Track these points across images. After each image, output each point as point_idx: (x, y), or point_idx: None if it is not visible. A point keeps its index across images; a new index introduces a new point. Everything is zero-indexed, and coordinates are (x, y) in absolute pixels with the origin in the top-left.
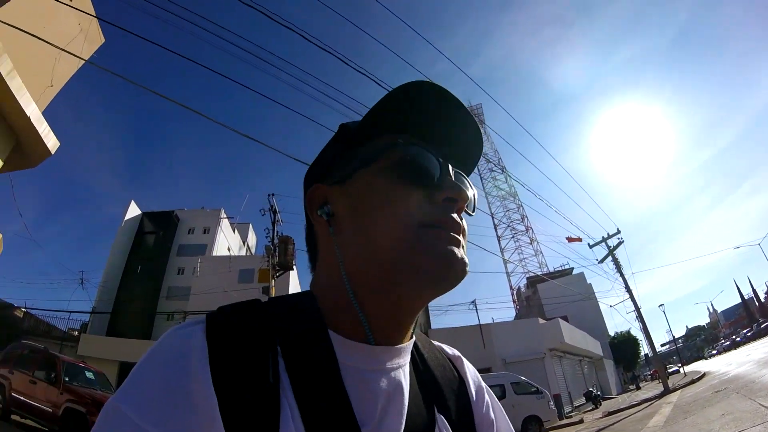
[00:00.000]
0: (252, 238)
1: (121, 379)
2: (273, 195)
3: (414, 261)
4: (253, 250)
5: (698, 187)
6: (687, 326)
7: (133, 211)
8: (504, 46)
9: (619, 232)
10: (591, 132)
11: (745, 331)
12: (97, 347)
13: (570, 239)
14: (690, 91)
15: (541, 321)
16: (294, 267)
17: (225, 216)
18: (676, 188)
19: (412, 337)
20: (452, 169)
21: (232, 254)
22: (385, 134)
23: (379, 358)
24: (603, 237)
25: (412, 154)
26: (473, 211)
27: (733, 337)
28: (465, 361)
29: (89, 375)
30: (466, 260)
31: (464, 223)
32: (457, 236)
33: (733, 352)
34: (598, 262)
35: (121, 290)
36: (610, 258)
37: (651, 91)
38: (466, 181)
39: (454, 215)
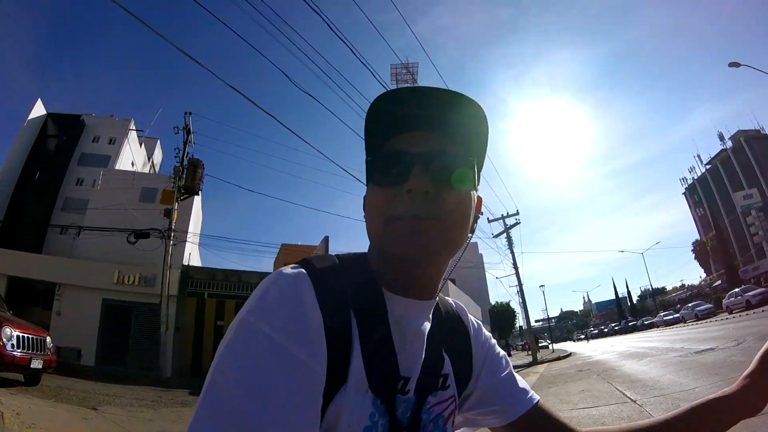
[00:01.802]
0: (158, 155)
1: (10, 296)
2: (190, 114)
3: (385, 248)
4: (157, 168)
5: (603, 190)
6: (561, 309)
7: (39, 110)
8: (453, 12)
9: (518, 213)
10: (516, 113)
11: (613, 325)
12: None
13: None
14: (619, 103)
15: None
16: (199, 192)
17: (134, 128)
18: (583, 187)
19: (434, 296)
20: (421, 160)
21: (137, 170)
22: (379, 145)
23: (411, 308)
24: (503, 214)
25: (376, 167)
26: (466, 181)
27: (602, 327)
28: (467, 312)
29: None
30: (430, 238)
31: (446, 203)
32: (416, 221)
33: (599, 341)
34: (494, 237)
35: (15, 197)
36: (504, 235)
37: (583, 92)
38: (444, 161)
39: (413, 203)
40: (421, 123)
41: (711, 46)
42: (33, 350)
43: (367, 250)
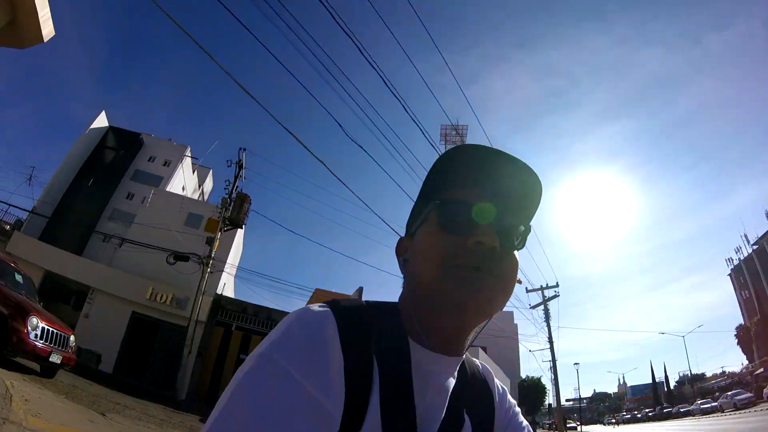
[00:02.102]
0: (209, 185)
1: (43, 289)
2: (244, 150)
3: (439, 293)
4: (206, 197)
5: (644, 267)
6: (594, 389)
7: (101, 121)
8: (507, 79)
9: (557, 285)
10: (561, 184)
11: (647, 410)
12: (27, 248)
13: None
14: (667, 177)
15: None
16: (243, 226)
17: (189, 155)
18: (625, 262)
19: (462, 354)
20: (491, 216)
21: (186, 194)
22: (442, 192)
23: (437, 364)
24: (542, 285)
25: (446, 211)
26: (520, 246)
27: (635, 412)
28: (493, 375)
29: (18, 277)
30: (490, 293)
31: (506, 262)
32: (481, 274)
33: (631, 426)
34: (531, 308)
35: (66, 197)
36: (542, 306)
37: (629, 166)
38: (507, 223)
39: (480, 256)
40: (490, 185)
41: (759, 121)
42: (55, 344)
43: (398, 300)
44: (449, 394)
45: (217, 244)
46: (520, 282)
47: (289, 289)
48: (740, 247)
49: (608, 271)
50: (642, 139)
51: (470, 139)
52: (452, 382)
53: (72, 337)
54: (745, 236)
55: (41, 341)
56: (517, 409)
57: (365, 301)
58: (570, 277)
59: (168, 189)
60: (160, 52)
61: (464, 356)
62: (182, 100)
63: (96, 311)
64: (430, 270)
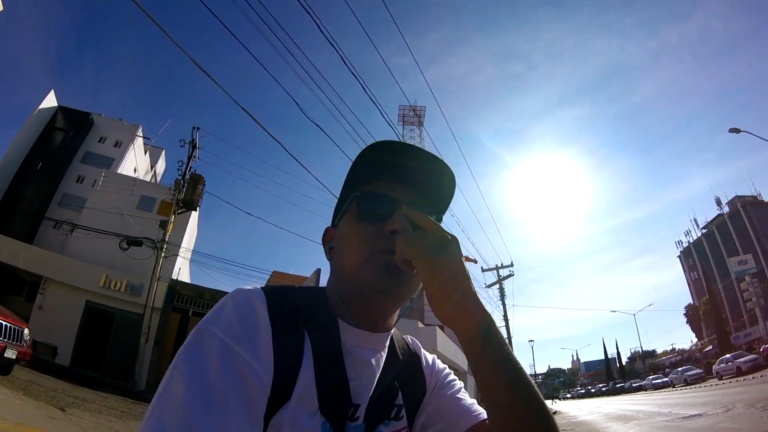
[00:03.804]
0: (161, 166)
1: None
2: (198, 129)
3: (364, 276)
4: (159, 178)
5: (598, 248)
6: (549, 365)
7: (50, 101)
8: (467, 62)
9: (512, 265)
10: (517, 166)
11: (601, 385)
12: None
13: (466, 259)
14: (620, 162)
15: (420, 325)
16: (198, 208)
17: (141, 134)
18: (579, 244)
19: (389, 330)
20: (404, 205)
21: (138, 176)
22: (362, 185)
23: (365, 339)
24: (497, 265)
25: (364, 203)
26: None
27: (589, 387)
28: (420, 346)
29: None
30: (403, 276)
31: None
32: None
33: (585, 401)
34: (486, 287)
35: (14, 183)
36: (497, 286)
37: (585, 150)
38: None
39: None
40: (404, 176)
41: (712, 112)
42: (9, 339)
43: (326, 285)
44: (378, 366)
45: (171, 227)
46: (475, 262)
47: (247, 273)
48: (690, 231)
49: (563, 251)
50: (598, 125)
51: (428, 122)
52: (382, 356)
53: (26, 331)
54: (695, 220)
55: None
56: (449, 371)
57: (297, 286)
58: (526, 257)
59: (119, 171)
60: (113, 30)
61: (392, 332)
62: (136, 79)
63: (49, 302)
64: (352, 257)
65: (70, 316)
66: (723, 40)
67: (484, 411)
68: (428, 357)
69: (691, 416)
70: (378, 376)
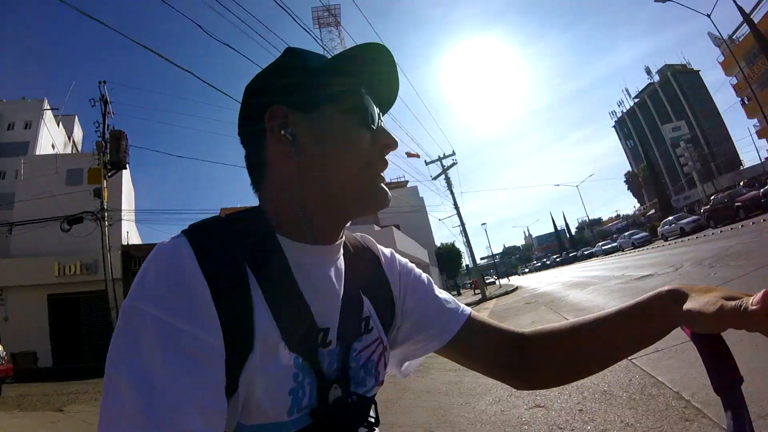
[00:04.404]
0: (78, 133)
1: None
2: (105, 83)
3: (357, 192)
4: (80, 147)
5: (535, 127)
6: (504, 245)
7: None
8: None
9: (454, 153)
10: (444, 57)
11: (555, 257)
12: None
13: (409, 154)
14: (548, 38)
15: (376, 228)
16: (127, 165)
17: (48, 107)
18: (514, 125)
19: (342, 237)
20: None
21: (58, 152)
22: (345, 77)
23: (319, 254)
24: (439, 156)
25: (368, 103)
26: None
27: (544, 260)
28: (375, 242)
29: None
30: (390, 194)
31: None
32: (384, 175)
33: (542, 273)
34: (432, 179)
35: None
36: (443, 176)
37: (509, 30)
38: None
39: (386, 158)
40: (387, 85)
41: None
42: None
43: (259, 201)
44: (342, 280)
45: (106, 193)
46: (418, 156)
47: (196, 217)
48: (622, 101)
49: (501, 134)
50: (520, 2)
51: (345, 20)
52: (340, 267)
53: (0, 348)
54: (626, 90)
55: None
56: (411, 265)
57: (225, 215)
58: (466, 144)
59: (38, 152)
60: None
61: (342, 238)
62: (24, 50)
63: (13, 310)
64: (352, 168)
65: (37, 316)
66: None
67: (467, 307)
68: (385, 252)
69: (644, 277)
70: (342, 290)
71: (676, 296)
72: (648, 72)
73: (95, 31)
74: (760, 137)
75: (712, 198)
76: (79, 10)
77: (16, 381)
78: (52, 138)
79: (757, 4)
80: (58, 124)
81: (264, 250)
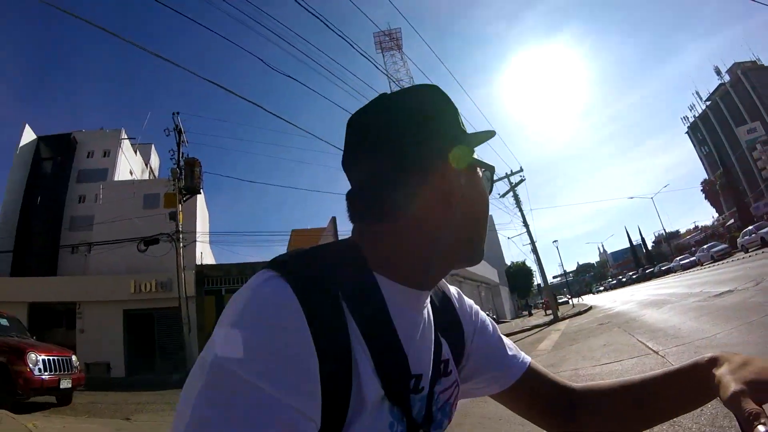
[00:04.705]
0: (155, 160)
1: (32, 321)
2: (178, 114)
3: (474, 244)
4: (156, 173)
5: (603, 138)
6: (578, 262)
7: (28, 135)
8: None
9: (521, 170)
10: (507, 72)
11: (630, 273)
12: (2, 289)
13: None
14: (611, 47)
15: None
16: (201, 191)
17: (126, 137)
18: (583, 136)
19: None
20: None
21: (135, 178)
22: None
23: (416, 299)
24: (506, 173)
25: (490, 178)
26: None
27: (620, 277)
28: (446, 284)
29: (2, 321)
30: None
31: None
32: None
33: (618, 291)
34: (500, 197)
35: (21, 224)
36: (511, 193)
37: (573, 41)
38: None
39: None
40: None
41: None
42: (60, 371)
43: (360, 234)
44: (431, 326)
45: (181, 216)
46: (493, 169)
47: (266, 239)
48: (693, 105)
49: (569, 147)
50: (579, 12)
51: (407, 43)
52: (429, 314)
53: (74, 357)
54: (697, 93)
55: (46, 373)
56: (477, 308)
57: (319, 250)
58: (534, 160)
59: (116, 179)
60: (67, 48)
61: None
62: (105, 87)
63: (89, 323)
64: (486, 222)
65: (113, 330)
66: None
67: (527, 357)
68: (455, 294)
69: (722, 293)
70: (432, 336)
71: (715, 365)
72: (717, 72)
73: (170, 67)
74: None
75: None
76: (157, 55)
77: (88, 389)
78: (130, 165)
79: None
80: (136, 152)
81: (362, 288)
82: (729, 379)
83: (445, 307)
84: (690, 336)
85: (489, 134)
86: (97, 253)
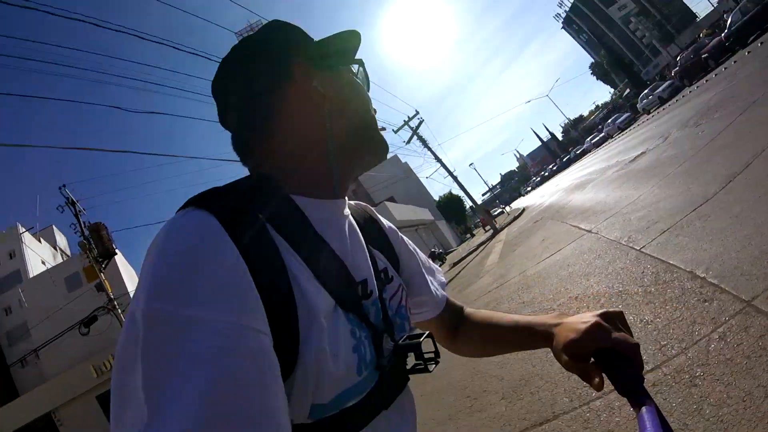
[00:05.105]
0: (61, 240)
1: None
2: (64, 186)
3: (369, 136)
4: (68, 251)
5: (486, 57)
6: (500, 173)
7: None
8: None
9: (417, 113)
10: (377, 25)
11: (551, 166)
12: None
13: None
14: None
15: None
16: (117, 251)
17: (23, 229)
18: (466, 62)
19: (346, 195)
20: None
21: (49, 266)
22: (348, 50)
23: (336, 209)
24: (404, 120)
25: (366, 75)
26: None
27: (542, 173)
28: (370, 207)
29: None
30: (387, 142)
31: None
32: None
33: (544, 186)
34: (406, 143)
35: None
36: (415, 138)
37: None
38: None
39: None
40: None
41: None
42: None
43: (257, 162)
44: (357, 233)
45: (107, 284)
46: (384, 129)
47: None
48: (562, 2)
49: (456, 76)
50: None
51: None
52: (353, 223)
53: None
54: None
55: None
56: (404, 237)
57: (232, 186)
58: (428, 99)
59: (32, 275)
60: None
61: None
62: None
63: (71, 425)
64: (367, 116)
65: (95, 422)
66: None
67: (443, 280)
68: (384, 221)
69: (637, 157)
70: (363, 245)
71: (551, 328)
72: None
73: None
74: None
75: (678, 58)
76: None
77: None
78: (39, 255)
79: None
80: (40, 240)
81: (281, 209)
82: (558, 346)
83: (371, 226)
84: (617, 206)
85: (350, 33)
86: (47, 355)
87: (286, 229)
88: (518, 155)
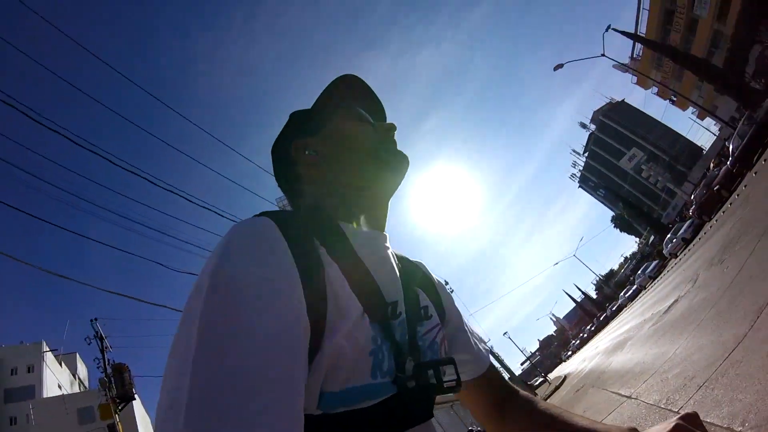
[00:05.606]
0: (82, 370)
1: None
2: (96, 320)
3: (373, 164)
4: (87, 383)
5: (512, 222)
6: (538, 339)
7: None
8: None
9: (447, 283)
10: (408, 198)
11: (588, 327)
12: None
13: None
14: (488, 140)
15: None
16: (136, 396)
17: (47, 349)
18: (494, 228)
19: (385, 230)
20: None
21: (65, 392)
22: (333, 100)
23: (377, 239)
24: None
25: (353, 106)
26: None
27: (581, 335)
28: (427, 267)
29: None
30: (407, 156)
31: None
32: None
33: (584, 348)
34: None
35: None
36: None
37: (454, 152)
38: None
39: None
40: (370, 102)
41: (539, 60)
42: None
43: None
44: (396, 265)
45: (120, 427)
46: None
47: None
48: (575, 162)
49: (484, 242)
50: (451, 127)
51: None
52: (393, 255)
53: None
54: (574, 151)
55: None
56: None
57: (281, 212)
58: (456, 268)
59: (45, 395)
60: None
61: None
62: (14, 298)
63: None
64: (356, 150)
65: None
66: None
67: (488, 361)
68: (433, 274)
69: (670, 306)
70: (400, 273)
71: None
72: (583, 125)
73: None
74: (702, 119)
75: (692, 196)
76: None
77: None
78: (57, 378)
79: (637, 22)
80: (61, 364)
81: (327, 229)
82: None
83: (418, 271)
84: (654, 364)
85: (330, 86)
86: None
87: (328, 243)
88: (554, 318)
